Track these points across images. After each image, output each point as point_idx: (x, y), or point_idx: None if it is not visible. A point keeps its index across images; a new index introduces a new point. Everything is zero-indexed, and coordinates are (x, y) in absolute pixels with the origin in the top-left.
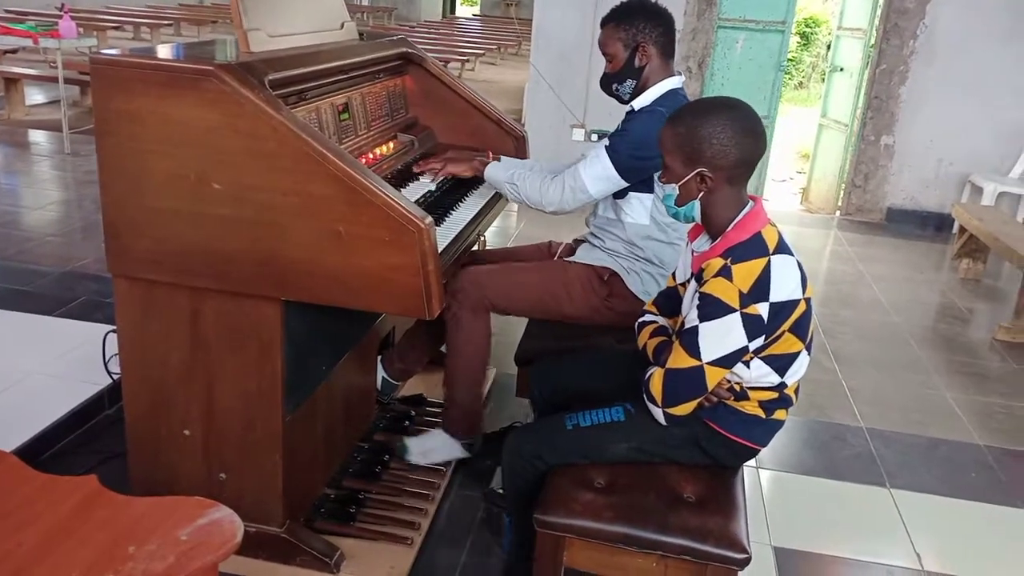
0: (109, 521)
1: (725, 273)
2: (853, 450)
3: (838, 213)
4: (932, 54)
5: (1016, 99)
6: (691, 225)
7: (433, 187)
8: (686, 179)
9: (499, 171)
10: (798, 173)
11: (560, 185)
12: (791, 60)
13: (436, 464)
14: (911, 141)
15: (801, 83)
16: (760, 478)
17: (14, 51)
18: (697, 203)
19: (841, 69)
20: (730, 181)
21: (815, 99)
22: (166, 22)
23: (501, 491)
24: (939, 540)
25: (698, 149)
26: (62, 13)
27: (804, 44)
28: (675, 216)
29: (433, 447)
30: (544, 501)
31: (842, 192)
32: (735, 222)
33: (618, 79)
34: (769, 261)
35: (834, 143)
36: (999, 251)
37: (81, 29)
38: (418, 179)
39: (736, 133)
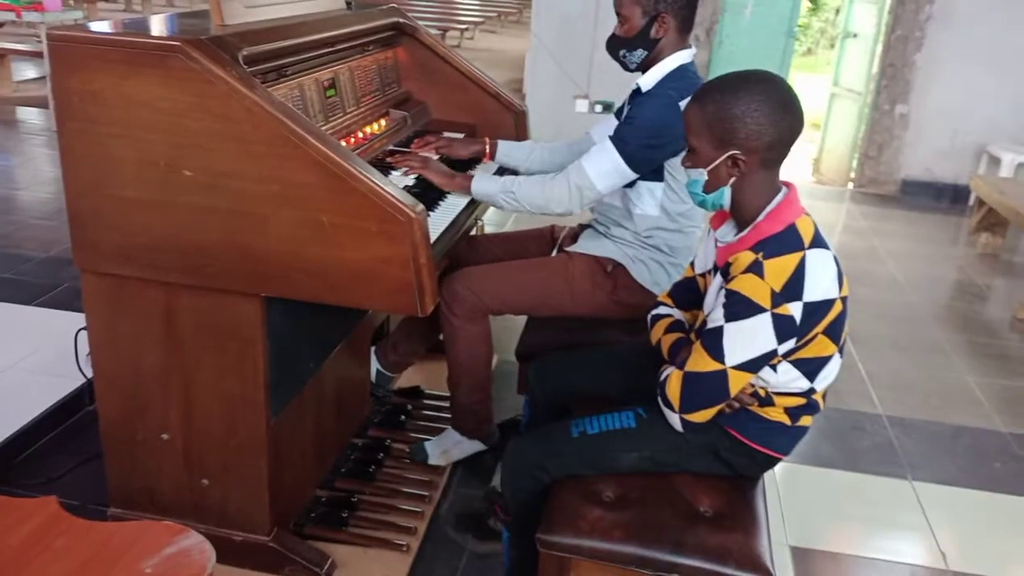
0: (67, 550)
1: (756, 269)
2: (872, 439)
3: (851, 185)
4: (949, 19)
5: None
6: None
7: None
8: (716, 163)
9: (489, 184)
10: (806, 142)
11: (564, 184)
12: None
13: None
14: (926, 110)
15: (810, 50)
16: (775, 472)
17: (1, 25)
18: (727, 190)
19: (854, 35)
20: (764, 164)
21: (823, 66)
22: None
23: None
24: (964, 537)
25: (730, 129)
26: None
27: (813, 9)
28: (702, 204)
29: (450, 446)
30: (548, 519)
31: (855, 163)
32: (767, 211)
33: (628, 46)
34: (804, 256)
35: (847, 112)
36: (1020, 225)
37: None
38: None
39: (772, 110)
